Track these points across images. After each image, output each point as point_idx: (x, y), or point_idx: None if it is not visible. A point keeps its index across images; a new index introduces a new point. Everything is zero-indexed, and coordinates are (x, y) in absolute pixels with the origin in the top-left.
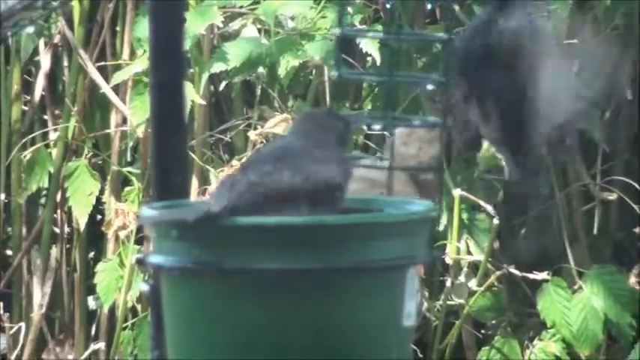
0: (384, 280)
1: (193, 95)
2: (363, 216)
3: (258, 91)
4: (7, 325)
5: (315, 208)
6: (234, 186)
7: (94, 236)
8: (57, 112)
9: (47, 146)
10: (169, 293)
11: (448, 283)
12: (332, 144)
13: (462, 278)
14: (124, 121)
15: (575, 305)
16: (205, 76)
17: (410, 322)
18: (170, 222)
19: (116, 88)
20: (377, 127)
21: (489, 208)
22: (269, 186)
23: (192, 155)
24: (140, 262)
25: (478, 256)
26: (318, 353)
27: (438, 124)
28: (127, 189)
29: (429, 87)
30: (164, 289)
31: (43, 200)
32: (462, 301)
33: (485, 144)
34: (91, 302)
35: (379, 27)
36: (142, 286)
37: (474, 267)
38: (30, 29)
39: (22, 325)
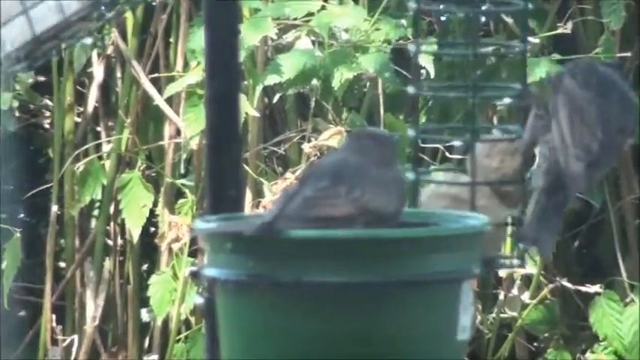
0: (439, 293)
1: (247, 107)
2: (418, 230)
3: (312, 104)
4: (60, 337)
5: (369, 225)
6: (290, 199)
7: (148, 248)
8: (110, 123)
9: (100, 158)
10: (224, 306)
11: (501, 296)
12: (388, 161)
13: (514, 291)
14: (178, 133)
15: (627, 318)
16: (259, 88)
17: (464, 335)
18: (226, 235)
19: (169, 100)
20: (457, 142)
21: None
22: (324, 202)
23: (246, 168)
24: (194, 275)
25: (531, 269)
26: None
27: (519, 135)
28: (180, 201)
29: (507, 100)
30: (218, 302)
31: (96, 212)
32: (514, 314)
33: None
34: (145, 315)
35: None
36: (196, 298)
37: (526, 280)
38: (87, 40)
39: (75, 337)
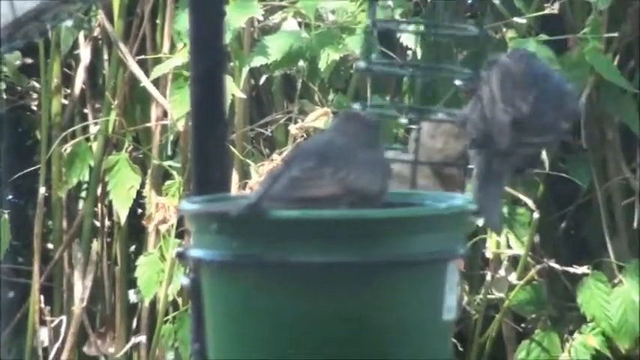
0: (425, 273)
1: (234, 89)
2: (403, 210)
3: (299, 85)
4: (48, 318)
5: (354, 205)
6: (275, 180)
7: (135, 230)
8: (97, 105)
9: (87, 140)
10: (209, 286)
11: (488, 277)
12: (373, 143)
13: (502, 272)
14: (165, 114)
15: (614, 299)
16: (246, 70)
17: (450, 315)
18: (211, 215)
19: (156, 82)
20: (404, 120)
21: (530, 201)
22: (310, 183)
23: (233, 149)
24: (181, 256)
25: (518, 249)
26: (358, 346)
27: (464, 117)
28: (167, 183)
29: (459, 82)
30: (204, 283)
31: (83, 194)
32: (502, 294)
33: None
34: (132, 296)
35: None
36: (182, 279)
37: (514, 261)
38: (69, 22)
39: (64, 318)
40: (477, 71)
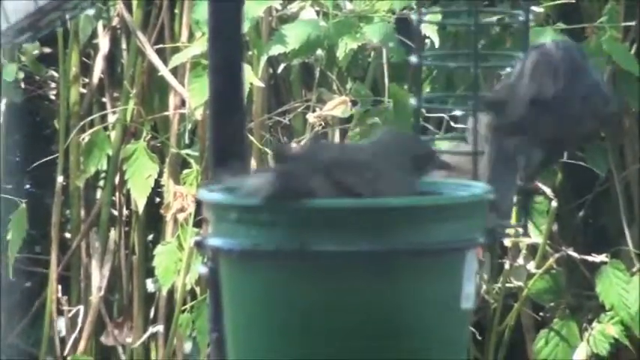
0: (443, 262)
1: (252, 78)
2: (422, 198)
3: (317, 74)
4: (65, 308)
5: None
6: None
7: (153, 219)
8: (115, 94)
9: (106, 129)
10: (227, 275)
11: (507, 266)
12: (407, 166)
13: (520, 261)
14: (183, 103)
15: (633, 287)
16: (264, 59)
17: (468, 304)
18: (233, 205)
19: (174, 71)
20: (458, 112)
21: (548, 190)
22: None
23: (251, 138)
24: (199, 245)
25: (537, 238)
26: (375, 335)
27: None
28: (185, 171)
29: (510, 69)
30: (222, 272)
31: (101, 183)
32: (520, 283)
33: None
34: (150, 285)
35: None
36: (200, 268)
37: (532, 249)
38: (90, 11)
39: (81, 307)
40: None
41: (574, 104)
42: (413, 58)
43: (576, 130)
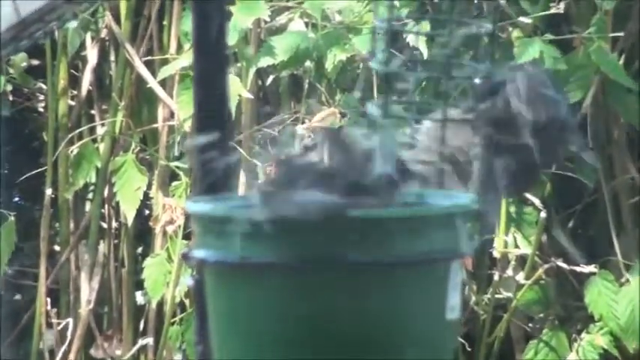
0: (428, 272)
1: (241, 89)
2: (405, 209)
3: (306, 85)
4: (54, 320)
5: None
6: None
7: (142, 231)
8: (104, 106)
9: (94, 141)
10: (213, 287)
11: (496, 277)
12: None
13: (509, 272)
14: (172, 115)
15: (622, 298)
16: (252, 71)
17: (454, 315)
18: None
19: (163, 83)
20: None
21: (537, 201)
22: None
23: (240, 149)
24: (185, 257)
25: (526, 249)
26: (361, 346)
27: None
28: (174, 184)
29: (477, 80)
30: (208, 284)
31: (90, 195)
32: (509, 294)
33: None
34: (139, 297)
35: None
36: (187, 280)
37: (521, 260)
38: (73, 24)
39: (70, 320)
40: (493, 69)
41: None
42: (374, 65)
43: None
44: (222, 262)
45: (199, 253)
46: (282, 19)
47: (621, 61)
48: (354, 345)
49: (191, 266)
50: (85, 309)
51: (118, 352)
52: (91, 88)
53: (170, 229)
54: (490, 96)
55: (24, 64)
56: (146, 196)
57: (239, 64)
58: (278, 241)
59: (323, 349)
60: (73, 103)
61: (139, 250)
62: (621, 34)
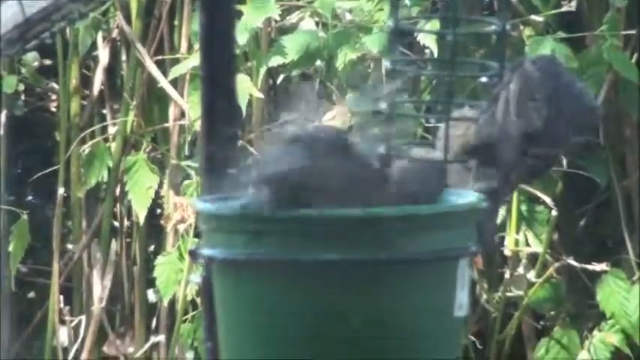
0: (436, 271)
1: (251, 89)
2: (414, 207)
3: (316, 85)
4: (67, 318)
5: None
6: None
7: (154, 230)
8: (115, 106)
9: (106, 140)
10: (221, 285)
11: (507, 275)
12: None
13: (520, 270)
14: (183, 114)
15: (634, 296)
16: (263, 70)
17: (462, 312)
18: (224, 215)
19: (174, 82)
20: (432, 120)
21: (548, 199)
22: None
23: (251, 148)
24: (193, 255)
25: (537, 247)
26: (369, 344)
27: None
28: (185, 182)
29: (485, 79)
30: (215, 281)
31: (102, 194)
32: (520, 292)
33: None
34: (151, 295)
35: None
36: (195, 278)
37: (532, 258)
38: (79, 24)
39: (83, 318)
40: (501, 67)
41: (561, 125)
42: (386, 64)
43: (564, 148)
44: (228, 260)
45: (206, 251)
46: (292, 18)
47: (633, 59)
48: (363, 342)
49: (199, 264)
50: (97, 307)
51: (131, 350)
52: (102, 87)
53: (181, 227)
54: (493, 101)
55: (36, 64)
56: (157, 195)
57: (249, 64)
58: (284, 239)
59: (331, 346)
60: (84, 102)
61: (151, 248)
62: (633, 31)
